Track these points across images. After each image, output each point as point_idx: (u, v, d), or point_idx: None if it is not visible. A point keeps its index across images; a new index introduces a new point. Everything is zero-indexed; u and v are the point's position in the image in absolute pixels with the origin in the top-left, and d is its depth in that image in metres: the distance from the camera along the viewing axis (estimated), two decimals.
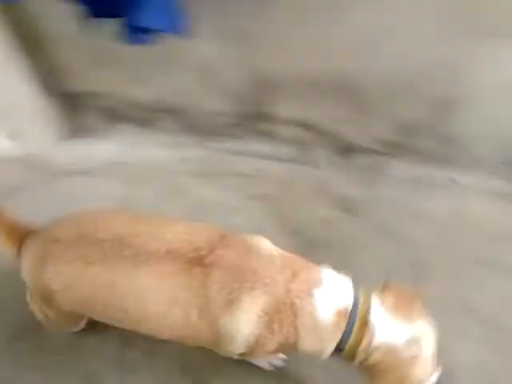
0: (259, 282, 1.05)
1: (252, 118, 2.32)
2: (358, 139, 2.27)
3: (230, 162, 2.30)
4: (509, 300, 1.54)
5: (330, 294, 1.09)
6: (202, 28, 1.83)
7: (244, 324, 1.04)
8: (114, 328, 1.20)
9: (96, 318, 1.23)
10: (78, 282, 1.12)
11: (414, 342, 1.03)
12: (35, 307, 1.25)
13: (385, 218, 1.94)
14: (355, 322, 1.07)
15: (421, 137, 2.14)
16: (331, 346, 1.07)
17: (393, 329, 1.05)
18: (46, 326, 1.33)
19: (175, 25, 1.60)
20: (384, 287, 1.13)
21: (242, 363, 1.32)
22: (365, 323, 1.06)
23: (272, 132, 2.35)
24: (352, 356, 1.06)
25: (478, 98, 1.90)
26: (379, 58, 1.88)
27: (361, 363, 1.06)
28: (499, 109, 1.91)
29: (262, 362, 1.46)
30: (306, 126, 2.28)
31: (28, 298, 1.25)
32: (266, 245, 1.15)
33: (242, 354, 1.15)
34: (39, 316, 1.27)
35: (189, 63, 2.15)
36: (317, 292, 1.08)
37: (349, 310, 1.08)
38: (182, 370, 1.35)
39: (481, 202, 2.02)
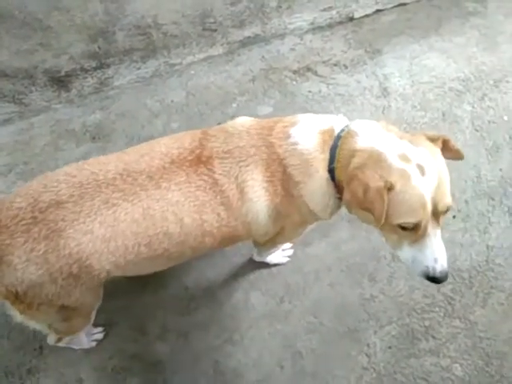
0: (247, 155, 1.13)
1: None
2: (61, 65, 2.09)
3: None
4: None
5: (308, 125, 1.15)
6: None
7: (259, 201, 1.14)
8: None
9: (137, 268, 1.18)
10: (113, 230, 1.05)
11: (405, 159, 0.99)
12: (38, 317, 1.14)
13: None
14: (342, 135, 1.10)
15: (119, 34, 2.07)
16: (323, 168, 1.10)
17: (382, 139, 1.05)
18: (56, 332, 1.28)
19: None
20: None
21: None
22: (352, 133, 1.09)
23: None
24: (342, 171, 1.07)
25: None
26: None
27: (348, 179, 1.03)
28: None
29: (279, 257, 1.67)
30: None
31: (19, 318, 1.13)
32: (240, 122, 1.23)
33: (278, 236, 1.28)
34: (43, 327, 1.21)
35: None
36: (293, 130, 1.15)
37: (335, 129, 1.13)
38: None
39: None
